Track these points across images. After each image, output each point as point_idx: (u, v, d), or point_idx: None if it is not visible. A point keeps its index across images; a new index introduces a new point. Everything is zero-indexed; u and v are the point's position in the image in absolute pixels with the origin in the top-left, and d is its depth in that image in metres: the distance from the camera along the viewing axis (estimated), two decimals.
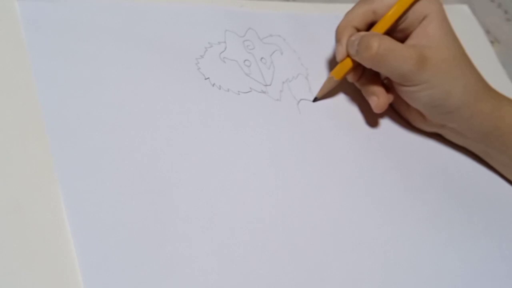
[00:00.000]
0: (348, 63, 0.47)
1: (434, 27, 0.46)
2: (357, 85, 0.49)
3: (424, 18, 0.46)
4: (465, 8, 0.65)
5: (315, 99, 0.48)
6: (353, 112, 0.50)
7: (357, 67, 0.47)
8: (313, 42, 0.52)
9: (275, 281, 0.38)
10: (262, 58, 0.48)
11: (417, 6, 0.46)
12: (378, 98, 0.47)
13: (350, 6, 0.57)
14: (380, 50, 0.44)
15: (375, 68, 0.46)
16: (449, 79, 0.45)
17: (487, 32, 0.65)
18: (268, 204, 0.41)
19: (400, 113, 0.52)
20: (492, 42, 0.64)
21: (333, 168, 0.45)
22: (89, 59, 0.41)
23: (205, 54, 0.45)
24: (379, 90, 0.48)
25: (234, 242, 0.38)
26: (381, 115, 0.51)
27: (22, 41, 0.40)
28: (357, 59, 0.46)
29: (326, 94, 0.49)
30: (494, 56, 0.62)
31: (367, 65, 0.46)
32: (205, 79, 0.44)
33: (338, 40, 0.47)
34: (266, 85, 0.47)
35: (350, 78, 0.48)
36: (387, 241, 0.43)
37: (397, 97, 0.49)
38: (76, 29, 0.42)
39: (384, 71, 0.46)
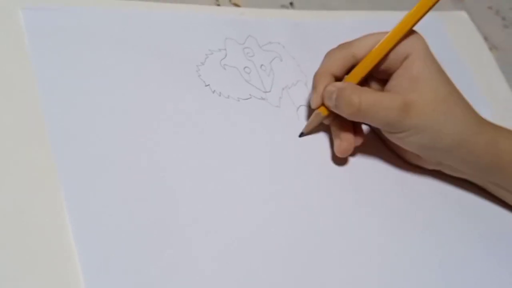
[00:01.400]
0: (324, 111, 0.45)
1: (417, 67, 0.44)
2: (325, 122, 0.47)
3: (406, 57, 0.44)
4: (463, 14, 0.65)
5: (302, 134, 0.47)
6: None
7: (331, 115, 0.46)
8: (312, 49, 0.52)
9: (276, 284, 0.38)
10: (262, 65, 0.48)
11: (399, 45, 0.44)
12: (341, 142, 0.45)
13: (348, 13, 0.58)
14: (362, 107, 0.43)
15: (356, 120, 0.45)
16: (437, 120, 0.44)
17: (485, 39, 0.65)
18: (268, 209, 0.41)
19: (397, 153, 0.50)
20: (490, 49, 0.64)
21: (332, 173, 0.46)
22: (91, 66, 0.41)
23: (205, 61, 0.46)
24: (345, 135, 0.45)
25: (234, 245, 0.39)
26: None
27: (26, 49, 0.40)
28: (335, 111, 0.44)
29: (313, 129, 0.47)
30: (493, 62, 0.62)
31: (348, 118, 0.44)
32: (206, 85, 0.45)
33: (314, 87, 0.46)
34: (265, 92, 0.47)
35: (326, 121, 0.47)
36: (383, 244, 0.44)
37: (391, 143, 0.47)
38: (78, 36, 0.42)
39: (367, 122, 0.45)
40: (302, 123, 0.47)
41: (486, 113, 0.48)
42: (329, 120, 0.46)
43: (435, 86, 0.44)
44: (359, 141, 0.46)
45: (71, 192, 0.36)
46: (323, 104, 0.45)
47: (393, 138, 0.45)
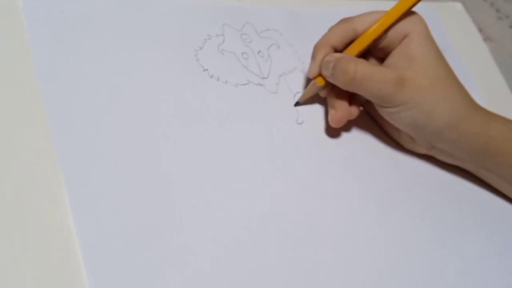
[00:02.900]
0: (321, 81, 0.46)
1: (416, 47, 0.45)
2: (321, 94, 0.48)
3: (405, 36, 0.45)
4: (458, 5, 0.65)
5: (297, 104, 0.47)
6: None
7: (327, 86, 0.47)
8: (309, 37, 0.52)
9: (274, 272, 0.39)
10: (259, 51, 0.49)
11: (399, 24, 0.45)
12: (336, 111, 0.46)
13: (344, 1, 0.58)
14: (357, 75, 0.43)
15: (351, 91, 0.45)
16: (430, 99, 0.44)
17: (480, 30, 0.66)
18: (266, 196, 0.42)
19: (390, 136, 0.50)
20: (484, 40, 0.65)
21: (329, 161, 0.46)
22: (90, 53, 0.41)
23: (204, 46, 0.46)
24: (340, 104, 0.46)
25: (233, 234, 0.39)
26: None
27: (25, 37, 0.40)
28: (331, 81, 0.45)
29: (309, 99, 0.48)
30: (488, 53, 0.63)
31: (343, 88, 0.45)
32: (204, 70, 0.45)
33: (313, 56, 0.47)
34: (263, 78, 0.47)
35: (322, 94, 0.47)
36: (382, 237, 0.44)
37: (386, 124, 0.48)
38: (77, 24, 0.42)
39: (361, 93, 0.45)
40: (298, 110, 0.47)
41: (480, 103, 0.48)
42: (325, 93, 0.47)
43: (432, 66, 0.45)
44: (354, 112, 0.47)
45: (72, 182, 0.36)
46: (320, 75, 0.46)
47: (385, 114, 0.46)
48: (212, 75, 0.45)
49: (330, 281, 0.40)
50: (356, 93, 0.46)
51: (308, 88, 0.47)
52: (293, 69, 0.50)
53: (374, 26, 0.45)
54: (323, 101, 0.49)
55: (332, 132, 0.48)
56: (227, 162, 0.42)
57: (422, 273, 0.44)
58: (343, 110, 0.46)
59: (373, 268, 0.42)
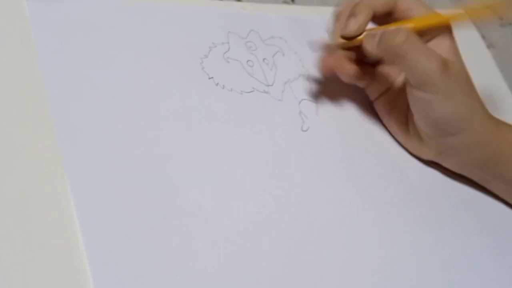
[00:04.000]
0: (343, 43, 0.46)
1: (449, 45, 0.46)
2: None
3: (437, 34, 0.46)
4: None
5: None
6: (353, 114, 0.51)
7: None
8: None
9: (275, 274, 0.39)
10: (264, 59, 0.49)
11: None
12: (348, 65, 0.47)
13: None
14: (408, 40, 0.43)
15: (397, 62, 0.44)
16: (464, 95, 0.44)
17: (482, 37, 0.66)
18: (269, 201, 0.42)
19: (396, 139, 0.50)
20: (487, 47, 0.65)
21: (332, 167, 0.46)
22: (96, 58, 0.42)
23: (209, 54, 0.46)
24: (350, 66, 0.47)
25: (236, 239, 0.39)
26: (378, 120, 0.51)
27: (31, 40, 0.40)
28: (377, 51, 0.45)
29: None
30: (491, 60, 0.63)
31: (389, 57, 0.45)
32: (209, 78, 0.45)
33: (354, 14, 0.45)
34: (268, 85, 0.48)
35: (361, 84, 0.48)
36: (384, 243, 0.44)
37: (395, 124, 0.48)
38: (83, 29, 0.43)
39: (406, 67, 0.44)
40: (303, 117, 0.47)
41: None
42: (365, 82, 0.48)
43: (463, 67, 0.46)
44: (350, 69, 0.47)
45: (77, 184, 0.36)
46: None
47: (418, 101, 0.45)
48: (218, 83, 0.45)
49: (332, 287, 0.40)
50: (400, 68, 0.46)
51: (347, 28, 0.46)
52: (298, 76, 0.50)
53: (429, 17, 0.46)
54: (328, 108, 0.49)
55: (337, 139, 0.48)
56: (231, 168, 0.42)
57: (424, 279, 0.44)
58: (353, 68, 0.47)
59: (374, 273, 0.42)
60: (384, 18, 0.47)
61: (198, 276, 0.37)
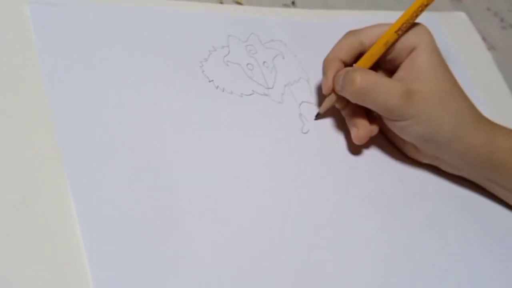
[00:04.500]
0: (332, 98, 0.47)
1: (423, 60, 0.45)
2: (343, 114, 0.48)
3: (413, 49, 0.45)
4: (462, 15, 0.66)
5: (317, 116, 0.48)
6: None
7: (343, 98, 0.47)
8: (313, 47, 0.53)
9: (275, 275, 0.39)
10: (264, 62, 0.49)
11: (406, 36, 0.45)
12: (358, 130, 0.46)
13: (348, 12, 0.58)
14: (362, 84, 0.43)
15: (360, 103, 0.45)
16: (438, 113, 0.44)
17: (484, 39, 0.66)
18: (269, 202, 0.42)
19: (395, 145, 0.50)
20: (488, 49, 0.65)
21: (333, 171, 0.46)
22: (96, 62, 0.42)
23: (209, 58, 0.46)
24: (361, 122, 0.46)
25: (237, 241, 0.39)
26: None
27: (32, 43, 0.40)
28: (342, 94, 0.45)
29: (328, 111, 0.48)
30: (492, 62, 0.63)
31: (352, 100, 0.45)
32: (209, 81, 0.45)
33: (324, 73, 0.47)
34: (268, 88, 0.48)
35: (338, 106, 0.48)
36: (385, 246, 0.44)
37: (391, 132, 0.48)
38: (84, 32, 0.43)
39: (369, 106, 0.45)
40: (304, 119, 0.48)
41: (484, 112, 0.48)
42: (342, 105, 0.47)
43: (439, 79, 0.45)
44: (375, 129, 0.47)
45: (77, 184, 0.36)
46: (333, 90, 0.46)
47: (394, 128, 0.46)
48: (218, 86, 0.45)
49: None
50: (365, 106, 0.46)
51: (326, 101, 0.48)
52: (298, 79, 0.50)
53: (380, 40, 0.45)
54: (329, 110, 0.49)
55: (337, 141, 0.48)
56: (231, 170, 0.42)
57: (425, 283, 0.44)
58: (364, 128, 0.46)
59: (374, 274, 0.42)
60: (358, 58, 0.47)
61: (199, 276, 0.37)
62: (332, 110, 0.48)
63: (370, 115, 0.47)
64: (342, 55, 0.47)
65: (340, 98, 0.47)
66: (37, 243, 0.34)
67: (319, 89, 0.50)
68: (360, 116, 0.47)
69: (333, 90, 0.46)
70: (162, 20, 0.47)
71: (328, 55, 0.48)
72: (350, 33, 0.47)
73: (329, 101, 0.48)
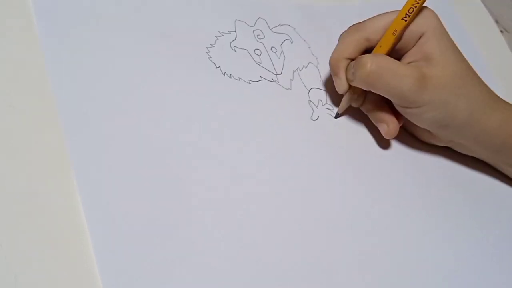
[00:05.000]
0: (349, 96, 0.46)
1: (433, 45, 0.44)
2: (363, 111, 0.47)
3: (421, 36, 0.44)
4: None
5: (337, 115, 0.47)
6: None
7: (360, 94, 0.46)
8: (322, 32, 0.52)
9: (283, 268, 0.38)
10: (272, 47, 0.48)
11: (413, 23, 0.44)
12: (388, 126, 0.46)
13: None
14: (373, 67, 0.42)
15: (371, 89, 0.44)
16: (453, 98, 0.43)
17: (496, 22, 0.65)
18: (277, 190, 0.41)
19: (407, 130, 0.49)
20: (501, 32, 0.64)
21: (344, 157, 0.46)
22: (101, 49, 0.41)
23: (215, 43, 0.46)
24: (387, 116, 0.46)
25: (245, 232, 0.39)
26: None
27: (35, 31, 0.40)
28: (355, 84, 0.44)
29: (347, 110, 0.48)
30: (505, 44, 0.62)
31: (363, 87, 0.44)
32: (216, 67, 0.44)
33: (335, 74, 0.46)
34: (276, 74, 0.47)
35: (354, 104, 0.47)
36: (394, 230, 0.44)
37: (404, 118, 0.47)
38: (88, 18, 0.42)
39: (381, 92, 0.44)
40: (313, 105, 0.47)
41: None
42: (359, 102, 0.46)
43: (451, 63, 0.44)
44: (401, 120, 0.46)
45: (84, 180, 0.36)
46: (349, 87, 0.45)
47: (407, 115, 0.45)
48: (225, 72, 0.44)
49: (342, 281, 0.39)
50: (377, 93, 0.44)
51: (343, 100, 0.47)
52: (307, 64, 0.49)
53: (391, 30, 0.44)
54: (338, 96, 0.48)
55: (347, 128, 0.47)
56: (240, 159, 0.41)
57: (438, 271, 0.43)
58: (393, 122, 0.46)
59: (393, 263, 0.42)
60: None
61: (208, 275, 0.36)
62: (341, 95, 0.47)
63: (391, 106, 0.46)
64: (348, 53, 0.45)
65: (356, 96, 0.46)
66: (44, 238, 0.34)
67: (329, 75, 0.49)
68: (384, 110, 0.46)
69: (349, 88, 0.45)
70: (167, 5, 0.46)
71: (333, 55, 0.46)
72: (354, 29, 0.46)
73: (346, 100, 0.47)
